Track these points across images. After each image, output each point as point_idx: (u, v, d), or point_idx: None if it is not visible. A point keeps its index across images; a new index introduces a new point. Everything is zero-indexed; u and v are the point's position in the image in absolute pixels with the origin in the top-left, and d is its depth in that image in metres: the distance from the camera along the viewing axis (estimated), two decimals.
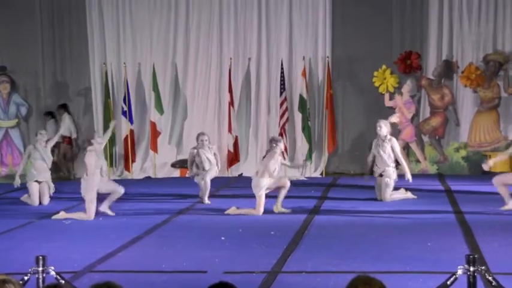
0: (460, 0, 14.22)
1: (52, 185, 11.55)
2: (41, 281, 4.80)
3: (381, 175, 10.65)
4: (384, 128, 10.71)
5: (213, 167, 11.06)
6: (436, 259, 7.14)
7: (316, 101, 14.60)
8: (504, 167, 13.92)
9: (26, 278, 4.76)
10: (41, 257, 4.89)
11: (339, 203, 10.55)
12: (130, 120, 14.49)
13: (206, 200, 10.98)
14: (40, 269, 4.83)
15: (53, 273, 4.89)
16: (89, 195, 9.88)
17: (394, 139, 10.86)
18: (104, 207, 10.09)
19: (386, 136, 10.73)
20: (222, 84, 14.67)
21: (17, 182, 11.50)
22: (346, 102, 14.71)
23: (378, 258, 7.31)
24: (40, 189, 11.37)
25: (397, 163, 10.84)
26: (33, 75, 15.15)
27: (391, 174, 10.64)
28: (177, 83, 14.86)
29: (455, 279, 4.74)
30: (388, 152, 10.66)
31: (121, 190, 10.16)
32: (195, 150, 11.10)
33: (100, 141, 10.30)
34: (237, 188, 12.64)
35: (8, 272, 3.07)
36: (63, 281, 4.75)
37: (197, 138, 11.21)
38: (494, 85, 14.22)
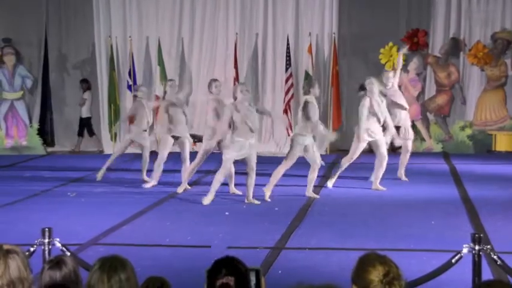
0: None
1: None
2: (47, 252, 4.82)
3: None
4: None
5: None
6: (439, 237, 7.15)
7: (322, 77, 14.54)
8: (510, 145, 13.90)
9: (32, 249, 4.79)
10: (47, 229, 4.92)
11: (343, 181, 10.53)
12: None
13: (267, 196, 9.15)
14: (46, 240, 4.85)
15: (58, 245, 4.91)
16: None
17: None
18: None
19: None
20: (228, 59, 14.61)
21: None
22: (352, 79, 14.63)
23: (382, 235, 7.32)
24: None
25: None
26: (37, 47, 15.12)
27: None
28: (183, 57, 14.80)
29: (461, 257, 4.75)
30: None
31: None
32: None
33: None
34: (241, 164, 12.61)
35: (15, 244, 3.07)
36: (68, 253, 4.77)
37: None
38: (501, 63, 14.14)
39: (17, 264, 2.86)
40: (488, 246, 4.82)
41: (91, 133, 14.95)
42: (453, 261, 4.76)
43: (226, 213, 8.58)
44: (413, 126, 14.32)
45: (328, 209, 8.78)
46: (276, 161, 13.14)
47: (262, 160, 13.19)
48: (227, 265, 2.80)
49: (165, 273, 3.54)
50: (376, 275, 2.61)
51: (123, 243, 7.04)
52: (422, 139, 14.41)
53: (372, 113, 9.77)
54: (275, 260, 6.50)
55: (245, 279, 2.77)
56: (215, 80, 10.26)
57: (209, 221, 8.12)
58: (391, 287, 2.60)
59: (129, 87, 14.46)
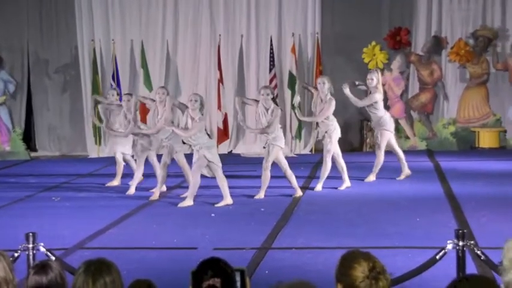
0: None
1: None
2: (31, 257, 4.80)
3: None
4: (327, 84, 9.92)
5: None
6: (425, 234, 7.19)
7: (306, 77, 14.58)
8: (493, 142, 14.01)
9: (16, 254, 4.76)
10: (31, 234, 4.90)
11: (329, 180, 10.55)
12: (120, 98, 14.40)
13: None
14: (30, 245, 4.83)
15: (43, 249, 4.89)
16: None
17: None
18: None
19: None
20: (212, 61, 14.61)
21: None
22: (336, 79, 14.58)
23: (368, 234, 7.35)
24: None
25: None
26: (19, 51, 15.04)
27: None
28: (168, 60, 14.78)
29: (445, 253, 4.78)
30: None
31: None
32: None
33: None
34: (227, 165, 12.62)
35: None
36: (53, 258, 4.75)
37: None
38: (483, 61, 14.24)
39: (2, 265, 2.85)
40: (472, 242, 4.86)
41: None
42: (437, 257, 4.79)
43: (212, 214, 8.58)
44: (398, 125, 14.46)
45: (314, 209, 8.79)
46: (261, 161, 13.16)
47: (248, 161, 13.24)
48: (213, 266, 2.79)
49: (152, 276, 3.54)
50: (361, 270, 2.63)
51: (109, 246, 7.02)
52: (407, 137, 14.48)
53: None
54: (262, 260, 6.51)
55: (231, 281, 2.77)
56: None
57: (195, 223, 8.12)
58: (377, 282, 2.61)
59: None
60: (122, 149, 10.66)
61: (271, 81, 14.28)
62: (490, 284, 2.42)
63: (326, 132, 9.90)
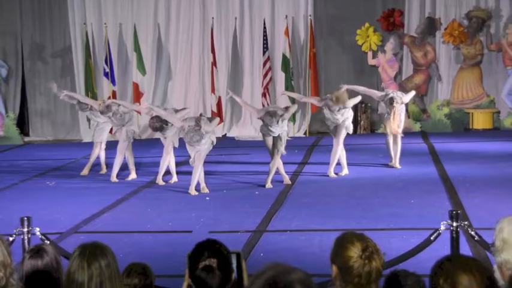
0: None
1: None
2: (26, 241, 4.80)
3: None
4: None
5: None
6: (419, 216, 7.22)
7: (299, 60, 14.55)
8: (486, 123, 14.03)
9: (11, 238, 4.76)
10: (26, 218, 4.89)
11: (323, 163, 10.57)
12: (113, 82, 14.37)
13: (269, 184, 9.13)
14: (25, 229, 4.83)
15: (38, 234, 4.89)
16: None
17: None
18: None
19: None
20: (205, 44, 14.56)
21: None
22: (329, 61, 14.66)
23: (362, 216, 7.37)
24: None
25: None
26: (12, 36, 14.95)
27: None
28: (160, 43, 14.72)
29: (439, 234, 4.80)
30: None
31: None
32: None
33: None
34: (221, 148, 12.62)
35: None
36: (48, 242, 4.75)
37: None
38: (477, 42, 14.22)
39: (0, 249, 2.85)
40: (466, 223, 4.87)
41: None
42: (432, 238, 4.81)
43: (207, 198, 8.58)
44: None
45: (308, 191, 8.81)
46: (255, 144, 13.19)
47: (242, 144, 13.24)
48: (209, 248, 2.80)
49: (147, 259, 3.54)
50: (354, 251, 2.63)
51: (104, 230, 7.03)
52: None
53: None
54: (257, 243, 6.53)
55: (227, 262, 2.78)
56: None
57: (190, 207, 8.12)
58: (370, 261, 2.61)
59: (106, 74, 14.37)
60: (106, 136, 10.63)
61: (264, 64, 14.25)
62: (473, 263, 2.41)
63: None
